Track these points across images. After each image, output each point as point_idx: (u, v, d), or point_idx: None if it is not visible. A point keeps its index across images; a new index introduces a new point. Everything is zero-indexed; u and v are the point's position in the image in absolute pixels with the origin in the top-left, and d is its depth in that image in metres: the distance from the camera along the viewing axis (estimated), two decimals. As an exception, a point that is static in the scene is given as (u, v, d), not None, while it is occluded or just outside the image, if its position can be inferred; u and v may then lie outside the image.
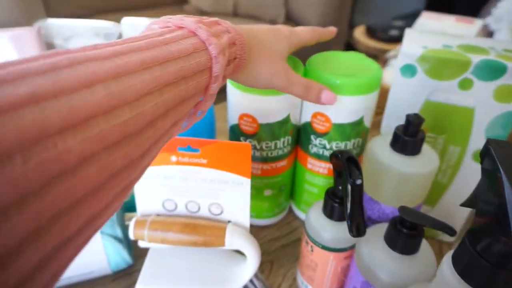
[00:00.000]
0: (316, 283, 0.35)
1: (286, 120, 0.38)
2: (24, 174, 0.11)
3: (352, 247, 0.32)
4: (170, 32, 0.22)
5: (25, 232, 0.11)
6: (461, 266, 0.20)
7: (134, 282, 0.38)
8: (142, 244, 0.35)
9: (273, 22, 1.50)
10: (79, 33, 0.36)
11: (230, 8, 1.50)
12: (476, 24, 0.68)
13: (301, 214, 0.47)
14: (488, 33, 0.64)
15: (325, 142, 0.39)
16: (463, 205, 0.22)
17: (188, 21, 0.23)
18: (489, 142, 0.21)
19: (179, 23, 0.23)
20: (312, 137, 0.39)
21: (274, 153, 0.40)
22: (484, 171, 0.21)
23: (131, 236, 0.34)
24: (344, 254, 0.32)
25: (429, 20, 0.77)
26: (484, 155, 0.21)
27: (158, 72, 0.18)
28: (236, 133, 0.40)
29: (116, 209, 0.17)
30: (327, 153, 0.39)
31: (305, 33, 0.34)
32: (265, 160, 0.40)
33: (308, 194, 0.44)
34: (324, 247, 0.32)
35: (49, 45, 0.35)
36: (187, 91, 0.20)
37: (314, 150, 0.40)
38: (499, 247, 0.17)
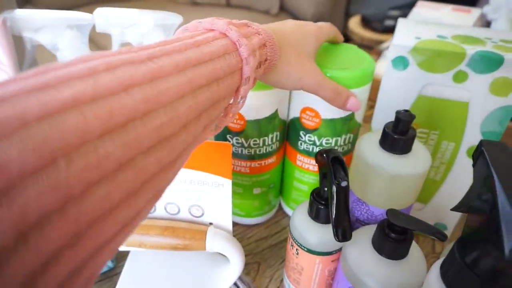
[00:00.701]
0: (303, 286, 0.34)
1: (274, 115, 0.36)
2: (67, 179, 0.11)
3: (339, 250, 0.31)
4: (201, 34, 0.22)
5: (65, 238, 0.11)
6: (450, 278, 0.18)
7: (115, 285, 0.36)
8: (120, 247, 0.34)
9: (266, 12, 1.47)
10: (50, 24, 0.34)
11: (223, -1, 1.47)
12: (474, 13, 0.65)
13: (290, 212, 0.45)
14: (485, 22, 0.62)
15: (314, 138, 0.37)
16: (454, 209, 0.21)
17: (218, 23, 0.23)
18: (482, 143, 0.19)
19: (210, 26, 0.23)
20: (301, 133, 0.37)
21: (262, 150, 0.38)
22: (476, 174, 0.19)
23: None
24: (331, 257, 0.31)
25: (425, 9, 0.74)
26: (477, 157, 0.19)
27: (191, 74, 0.18)
28: (222, 130, 0.38)
29: (147, 214, 0.17)
30: (317, 150, 0.37)
31: (328, 28, 0.34)
32: (253, 157, 0.39)
33: (298, 192, 0.42)
34: (310, 251, 0.30)
35: (17, 38, 0.33)
36: (219, 93, 0.20)
37: (303, 146, 0.38)
38: (490, 261, 0.16)
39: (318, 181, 0.29)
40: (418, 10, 0.76)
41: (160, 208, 0.33)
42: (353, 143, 0.39)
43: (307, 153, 0.38)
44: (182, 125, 0.17)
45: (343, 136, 0.37)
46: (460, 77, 0.33)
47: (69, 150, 0.11)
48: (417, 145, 0.30)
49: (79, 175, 0.12)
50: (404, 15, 1.07)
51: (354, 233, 0.29)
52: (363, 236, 0.28)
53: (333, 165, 0.27)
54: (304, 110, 0.36)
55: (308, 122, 0.36)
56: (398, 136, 0.28)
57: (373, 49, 0.89)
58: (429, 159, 0.29)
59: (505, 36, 0.34)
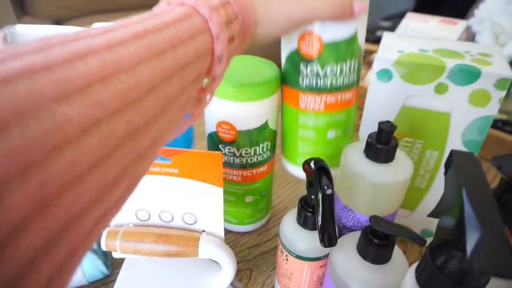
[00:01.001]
0: (293, 291, 0.35)
1: (265, 126, 0.38)
2: (24, 146, 0.11)
3: (327, 255, 0.32)
4: (168, 11, 0.21)
5: (31, 206, 0.11)
6: (423, 280, 0.19)
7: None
8: (115, 255, 0.35)
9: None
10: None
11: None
12: (460, 25, 0.68)
13: (296, 170, 0.39)
14: (471, 34, 0.64)
15: (317, 68, 0.32)
16: (429, 215, 0.22)
17: None
18: (452, 153, 0.20)
19: (179, 1, 0.22)
20: (301, 66, 0.33)
21: (254, 159, 0.40)
22: (447, 182, 0.20)
23: (103, 247, 0.33)
24: (319, 262, 0.32)
25: (413, 21, 0.77)
26: (448, 166, 0.20)
27: (151, 39, 0.18)
28: (214, 140, 0.39)
29: (130, 186, 0.17)
30: (321, 83, 0.33)
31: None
32: (244, 166, 0.40)
33: (304, 142, 0.36)
34: (298, 256, 0.31)
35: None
36: (188, 56, 0.20)
37: (305, 82, 0.33)
38: (457, 263, 0.17)
39: (326, 122, 0.31)
40: (407, 22, 0.79)
41: (154, 216, 0.34)
42: (358, 72, 0.35)
43: (311, 89, 0.33)
44: (147, 88, 0.17)
45: (348, 62, 0.33)
46: (441, 89, 0.34)
47: (24, 116, 0.11)
48: (399, 154, 0.31)
49: (38, 139, 0.11)
50: (395, 25, 1.09)
51: (340, 239, 0.30)
52: (349, 242, 0.30)
53: (318, 173, 0.28)
54: (302, 36, 0.32)
55: (308, 50, 0.32)
56: (381, 146, 0.30)
57: (365, 59, 0.91)
58: (411, 167, 0.31)
59: (483, 50, 0.36)
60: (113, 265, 0.40)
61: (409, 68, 0.34)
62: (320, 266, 0.32)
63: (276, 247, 0.44)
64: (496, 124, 0.61)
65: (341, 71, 0.32)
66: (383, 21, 1.20)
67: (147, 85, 0.17)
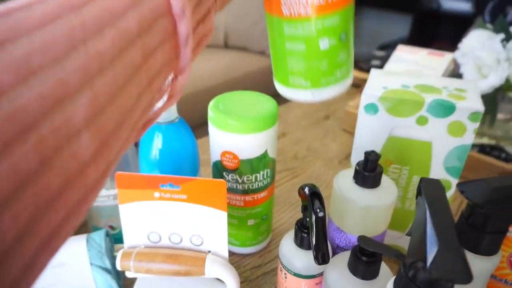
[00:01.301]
0: (292, 309, 0.37)
1: (264, 155, 0.42)
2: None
3: (321, 273, 0.35)
4: None
5: (32, 164, 0.12)
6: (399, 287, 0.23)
7: (122, 312, 0.40)
8: (129, 274, 0.38)
9: (262, 53, 1.56)
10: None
11: (221, 41, 1.56)
12: (446, 57, 0.72)
13: (293, 93, 0.31)
14: (457, 65, 0.69)
15: None
16: (407, 234, 0.26)
17: None
18: (421, 180, 0.24)
19: None
20: None
21: (255, 185, 0.43)
22: (418, 206, 0.24)
23: (118, 267, 0.36)
24: (315, 280, 0.35)
25: (404, 53, 0.82)
26: (419, 192, 0.24)
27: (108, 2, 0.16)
28: (219, 168, 0.43)
29: (99, 177, 0.16)
30: None
31: None
32: (246, 192, 0.43)
33: (294, 57, 0.29)
34: (296, 274, 0.35)
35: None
36: (147, 21, 0.17)
37: None
38: (423, 274, 0.20)
39: (314, 40, 0.27)
40: (398, 53, 0.84)
41: (164, 238, 0.38)
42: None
43: None
44: (111, 58, 0.15)
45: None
46: (422, 121, 0.38)
47: None
48: (385, 180, 0.35)
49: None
50: (388, 55, 1.15)
51: (333, 258, 0.34)
52: (341, 261, 0.33)
53: (312, 198, 0.31)
54: None
55: None
56: (368, 173, 0.33)
57: (360, 87, 0.96)
58: (395, 191, 0.34)
59: (459, 85, 0.40)
60: (125, 285, 0.43)
61: (393, 102, 0.38)
62: (316, 284, 0.35)
63: (277, 268, 0.47)
64: (484, 149, 0.65)
65: None
66: (377, 50, 1.27)
67: (108, 55, 0.16)
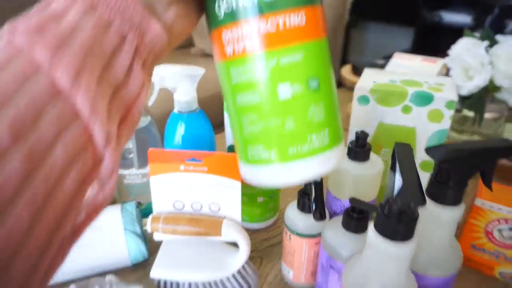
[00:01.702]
0: (296, 267, 0.44)
1: None
2: None
3: (320, 234, 0.41)
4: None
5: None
6: (377, 226, 0.29)
7: (149, 273, 0.47)
8: (156, 236, 0.45)
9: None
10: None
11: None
12: (438, 63, 0.80)
13: (254, 172, 0.23)
14: (447, 69, 0.76)
15: None
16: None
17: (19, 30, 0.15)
18: (395, 145, 0.31)
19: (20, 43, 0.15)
20: None
21: None
22: (392, 165, 0.30)
23: (148, 228, 0.43)
24: (315, 240, 0.41)
25: (400, 60, 0.89)
26: (393, 153, 0.31)
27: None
28: (233, 151, 0.50)
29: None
30: (245, 0, 0.20)
31: None
32: None
33: (248, 115, 0.22)
34: (299, 234, 0.41)
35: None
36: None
37: (223, 7, 0.21)
38: (392, 207, 0.27)
39: (271, 87, 0.20)
40: (396, 60, 0.91)
41: (187, 206, 0.45)
42: None
43: (232, 16, 0.21)
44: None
45: None
46: (406, 110, 0.45)
47: None
48: (372, 156, 0.42)
49: None
50: (387, 63, 1.23)
51: (330, 221, 0.40)
52: (336, 221, 0.39)
53: (312, 167, 0.38)
54: None
55: None
56: (359, 148, 0.40)
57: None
58: (381, 164, 0.41)
59: (438, 81, 0.47)
60: (150, 251, 0.50)
61: (381, 94, 0.45)
62: (316, 243, 0.42)
63: (282, 242, 0.53)
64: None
65: None
66: (380, 59, 1.34)
67: None
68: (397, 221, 0.27)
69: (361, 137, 0.40)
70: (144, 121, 0.51)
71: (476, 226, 0.47)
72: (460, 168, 0.31)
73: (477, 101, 0.70)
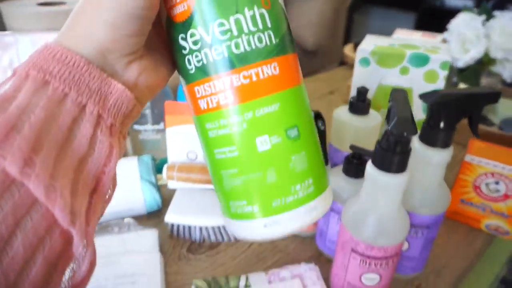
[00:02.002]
0: (298, 214, 0.48)
1: None
2: None
3: (322, 182, 0.45)
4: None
5: None
6: (375, 160, 0.33)
7: (163, 221, 0.51)
8: (171, 184, 0.48)
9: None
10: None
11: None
12: (438, 38, 0.83)
13: (239, 227, 0.22)
14: (447, 43, 0.79)
15: (200, 33, 0.19)
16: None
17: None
18: (392, 90, 0.34)
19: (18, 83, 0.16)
20: (181, 38, 0.20)
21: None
22: (386, 116, 0.34)
23: (164, 176, 0.47)
24: (317, 187, 0.45)
25: (401, 35, 0.92)
26: (390, 97, 0.34)
27: None
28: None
29: None
30: (214, 56, 0.20)
31: None
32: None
33: (227, 169, 0.21)
34: (302, 182, 0.45)
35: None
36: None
37: (193, 63, 0.20)
38: (388, 138, 0.31)
39: (249, 140, 0.20)
40: (397, 35, 0.94)
41: (200, 156, 0.48)
42: (275, 29, 0.20)
43: (204, 72, 0.20)
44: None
45: (247, 12, 0.19)
46: (404, 71, 0.49)
47: None
48: (372, 111, 0.45)
49: None
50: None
51: (332, 169, 0.44)
52: (337, 169, 0.43)
53: (316, 119, 0.42)
54: None
55: (178, 9, 0.20)
56: (360, 102, 0.44)
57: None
58: (379, 117, 0.45)
59: (434, 45, 0.51)
60: (163, 202, 0.54)
61: (381, 55, 0.49)
62: (318, 191, 0.46)
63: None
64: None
65: (240, 28, 0.19)
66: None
67: None
68: (392, 152, 0.31)
69: (362, 91, 0.43)
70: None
71: (465, 181, 0.51)
72: (450, 111, 0.34)
73: (472, 73, 0.73)
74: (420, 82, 0.48)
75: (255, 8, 0.19)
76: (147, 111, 0.53)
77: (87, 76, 0.17)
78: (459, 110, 0.34)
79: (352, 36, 2.68)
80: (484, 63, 0.72)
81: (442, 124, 0.35)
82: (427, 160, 0.37)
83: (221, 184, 0.22)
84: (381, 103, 0.52)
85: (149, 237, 0.47)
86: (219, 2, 0.19)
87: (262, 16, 0.19)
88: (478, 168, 0.49)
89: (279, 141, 0.20)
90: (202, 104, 0.21)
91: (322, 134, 0.41)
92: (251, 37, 0.19)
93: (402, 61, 0.48)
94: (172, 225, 0.48)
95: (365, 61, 0.50)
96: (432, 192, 0.39)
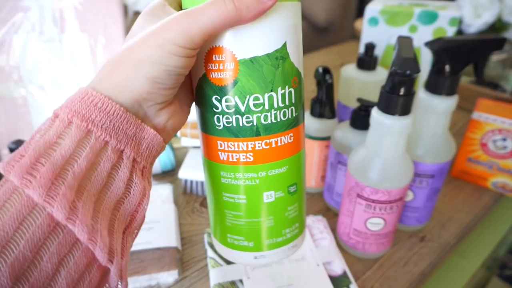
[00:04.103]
0: (307, 171, 0.49)
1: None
2: None
3: (329, 138, 0.46)
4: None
5: None
6: (380, 104, 0.34)
7: (177, 179, 0.53)
8: (184, 142, 0.51)
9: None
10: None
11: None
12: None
13: (232, 254, 0.26)
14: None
15: (235, 100, 0.22)
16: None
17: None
18: (397, 37, 0.35)
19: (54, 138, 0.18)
20: (214, 99, 0.22)
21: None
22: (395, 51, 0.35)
23: (178, 133, 0.49)
24: (324, 142, 0.47)
25: (413, 5, 0.91)
26: (396, 43, 0.35)
27: None
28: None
29: None
30: (244, 123, 0.22)
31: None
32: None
33: (233, 211, 0.25)
34: (310, 137, 0.46)
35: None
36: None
37: (222, 122, 0.23)
38: (392, 79, 0.32)
39: (257, 192, 0.23)
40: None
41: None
42: (297, 105, 0.23)
43: (231, 132, 0.23)
44: None
45: (279, 91, 0.22)
46: (413, 29, 0.49)
47: None
48: (379, 67, 0.46)
49: None
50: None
51: (339, 124, 0.45)
52: (345, 124, 0.44)
53: (324, 73, 0.43)
54: (209, 54, 0.22)
55: (219, 74, 0.22)
56: (367, 58, 0.44)
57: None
58: (385, 73, 0.45)
59: (443, 4, 0.51)
60: (177, 162, 0.56)
61: (390, 14, 0.49)
62: (326, 146, 0.47)
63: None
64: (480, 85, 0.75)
65: (271, 104, 0.22)
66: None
67: None
68: (397, 95, 0.32)
69: (369, 47, 0.44)
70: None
71: (473, 140, 0.51)
72: (454, 58, 0.35)
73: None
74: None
75: (286, 88, 0.22)
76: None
77: (125, 124, 0.19)
78: (464, 56, 0.35)
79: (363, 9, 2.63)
80: (496, 28, 0.72)
81: (447, 71, 0.36)
82: (432, 109, 0.38)
83: (223, 219, 0.26)
84: (389, 63, 0.53)
85: (164, 190, 0.49)
86: (258, 80, 0.21)
87: (290, 94, 0.22)
88: (485, 125, 0.49)
89: (282, 195, 0.24)
90: (222, 156, 0.23)
91: (329, 87, 0.42)
92: (278, 111, 0.22)
93: (411, 19, 0.48)
94: (186, 181, 0.51)
95: (373, 21, 0.50)
96: (436, 141, 0.40)
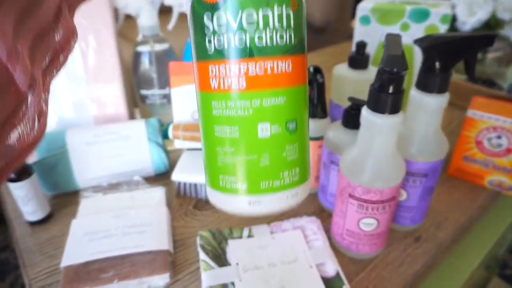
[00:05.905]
0: (300, 171, 0.49)
1: None
2: None
3: (322, 138, 0.46)
4: None
5: None
6: (369, 103, 0.34)
7: (170, 182, 0.53)
8: (177, 144, 0.50)
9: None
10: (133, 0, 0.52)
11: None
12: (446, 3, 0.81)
13: (224, 200, 0.24)
14: (452, 7, 0.78)
15: (227, 17, 0.20)
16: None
17: None
18: (386, 34, 0.35)
19: None
20: (206, 17, 0.21)
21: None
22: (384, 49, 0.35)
23: (170, 135, 0.49)
24: (318, 142, 0.46)
25: (408, 4, 0.91)
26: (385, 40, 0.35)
27: None
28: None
29: None
30: (236, 42, 0.21)
31: None
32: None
33: (225, 146, 0.23)
34: (303, 137, 0.46)
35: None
36: None
37: (213, 45, 0.21)
38: (381, 78, 0.31)
39: (251, 124, 0.21)
40: (403, 5, 0.93)
41: (204, 116, 0.50)
42: (297, 32, 0.22)
43: (222, 54, 0.21)
44: None
45: (276, 8, 0.20)
46: (405, 27, 0.49)
47: None
48: (371, 66, 0.46)
49: None
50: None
51: (331, 124, 0.45)
52: (337, 123, 0.44)
53: (315, 72, 0.43)
54: None
55: None
56: (359, 56, 0.44)
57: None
58: (378, 72, 0.45)
59: (436, 2, 0.50)
60: (170, 164, 0.56)
61: (381, 12, 0.49)
62: (319, 146, 0.47)
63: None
64: (476, 83, 0.74)
65: (266, 22, 0.20)
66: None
67: None
68: (385, 93, 0.32)
69: (361, 46, 0.44)
70: (164, 46, 0.55)
71: (468, 138, 0.51)
72: (444, 55, 0.35)
73: (480, 37, 0.72)
74: (421, 38, 0.48)
75: (284, 7, 0.20)
76: (154, 76, 0.55)
77: None
78: (454, 53, 0.35)
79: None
80: (491, 26, 0.71)
81: (437, 68, 0.35)
82: (424, 107, 0.37)
83: (214, 158, 0.23)
84: (382, 62, 0.52)
85: (157, 193, 0.49)
86: None
87: (288, 16, 0.21)
88: (480, 123, 0.49)
89: (278, 131, 0.22)
90: (213, 83, 0.22)
91: (320, 87, 0.42)
92: (274, 33, 0.20)
93: (403, 17, 0.48)
94: (179, 183, 0.50)
95: (365, 19, 0.50)
96: (428, 139, 0.39)
